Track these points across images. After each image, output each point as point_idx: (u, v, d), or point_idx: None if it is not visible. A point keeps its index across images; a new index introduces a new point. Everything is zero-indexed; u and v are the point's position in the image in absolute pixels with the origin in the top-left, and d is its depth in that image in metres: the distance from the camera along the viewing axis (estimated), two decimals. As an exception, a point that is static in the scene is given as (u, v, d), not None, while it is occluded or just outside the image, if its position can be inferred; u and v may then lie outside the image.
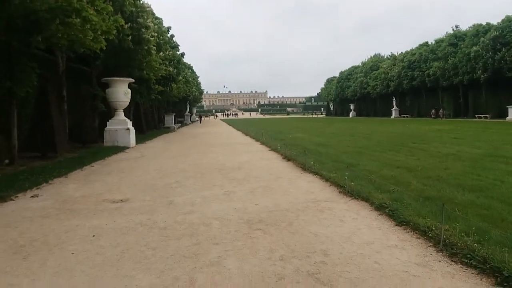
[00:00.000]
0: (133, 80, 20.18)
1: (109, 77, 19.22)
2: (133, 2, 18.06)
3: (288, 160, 12.12)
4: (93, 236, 5.08)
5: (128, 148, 18.20)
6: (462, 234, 4.28)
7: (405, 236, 4.71)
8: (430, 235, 4.50)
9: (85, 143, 18.86)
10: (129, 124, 19.55)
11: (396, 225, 5.11)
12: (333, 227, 5.15)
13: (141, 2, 20.99)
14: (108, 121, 19.37)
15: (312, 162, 10.10)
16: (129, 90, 19.77)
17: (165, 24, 33.51)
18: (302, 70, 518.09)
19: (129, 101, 20.01)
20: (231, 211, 6.10)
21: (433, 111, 51.10)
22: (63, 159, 13.56)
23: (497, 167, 9.12)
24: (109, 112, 20.40)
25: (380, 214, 5.64)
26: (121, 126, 19.00)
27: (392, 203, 5.79)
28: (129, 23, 18.62)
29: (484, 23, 49.35)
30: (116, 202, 7.27)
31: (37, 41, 11.19)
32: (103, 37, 12.98)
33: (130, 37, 18.63)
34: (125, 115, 22.10)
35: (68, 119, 17.73)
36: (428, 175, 8.12)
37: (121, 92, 19.13)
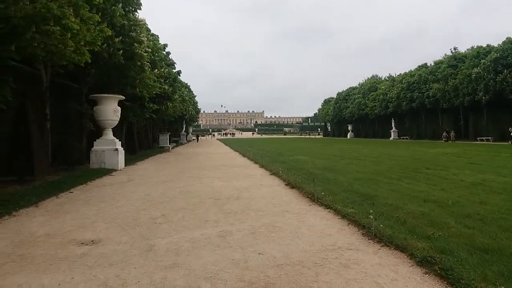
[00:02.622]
0: (123, 97, 18.84)
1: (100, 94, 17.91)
2: (124, 13, 16.81)
3: (293, 187, 10.70)
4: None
5: (115, 170, 16.73)
6: None
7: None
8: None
9: (70, 165, 17.42)
10: (118, 144, 18.11)
11: (456, 294, 3.69)
12: (368, 296, 3.72)
13: (134, 15, 19.82)
14: (95, 141, 17.93)
15: (323, 193, 8.68)
16: (119, 108, 18.42)
17: (165, 42, 32.59)
18: (301, 91, 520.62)
19: (118, 119, 18.61)
20: (227, 264, 4.65)
21: (444, 133, 49.54)
22: (41, 183, 12.08)
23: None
24: (98, 131, 19.01)
25: (426, 274, 4.21)
26: (109, 147, 17.56)
27: (440, 256, 4.38)
28: (120, 37, 17.42)
29: (484, 45, 48.81)
30: (85, 244, 5.82)
31: (10, 50, 9.87)
32: (87, 48, 11.68)
33: (122, 51, 17.39)
34: (116, 135, 20.74)
35: (52, 139, 16.29)
36: (465, 213, 6.71)
37: (110, 110, 17.77)
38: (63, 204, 9.17)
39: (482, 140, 45.75)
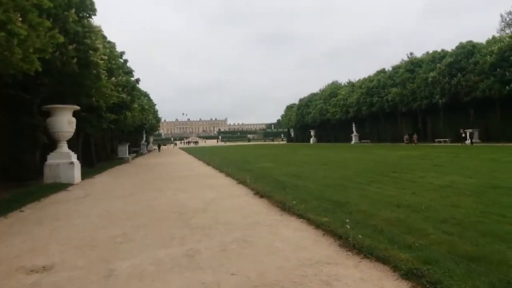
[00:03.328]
0: (78, 108, 17.87)
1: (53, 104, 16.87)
2: (77, 19, 15.94)
3: (262, 196, 10.30)
4: None
5: (71, 185, 15.75)
6: None
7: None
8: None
9: (23, 180, 16.23)
10: (73, 157, 17.10)
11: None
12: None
13: (89, 22, 18.89)
14: (48, 154, 16.84)
15: (294, 201, 8.34)
16: (74, 119, 17.43)
17: (123, 50, 31.55)
18: (265, 98, 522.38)
19: (73, 131, 17.61)
20: (197, 289, 4.18)
21: (406, 136, 50.33)
22: (-13, 202, 11.06)
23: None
24: (53, 144, 17.86)
25: (414, 287, 3.91)
26: (64, 160, 16.53)
27: (425, 268, 4.11)
28: (75, 44, 16.49)
29: (439, 50, 50.68)
30: (35, 271, 5.17)
31: None
32: (37, 56, 10.84)
33: (76, 59, 16.45)
34: (72, 147, 19.62)
35: (2, 153, 15.14)
36: (441, 218, 6.54)
37: (65, 121, 16.77)
38: (12, 225, 8.33)
39: (439, 141, 47.32)
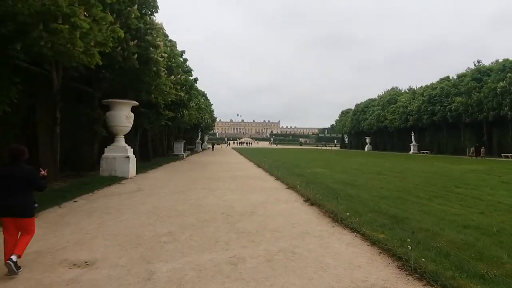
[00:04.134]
0: (137, 103, 18.28)
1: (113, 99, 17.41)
2: (139, 15, 16.28)
3: (312, 204, 9.82)
4: None
5: (126, 178, 16.10)
6: None
7: None
8: None
9: (80, 171, 16.88)
10: (130, 151, 17.50)
11: None
12: None
13: (151, 19, 19.33)
14: (106, 147, 17.37)
15: (348, 213, 7.80)
16: (132, 114, 17.86)
17: (183, 49, 32.22)
18: (319, 101, 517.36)
19: (131, 126, 18.04)
20: (239, 304, 3.84)
21: (472, 149, 47.04)
22: (45, 191, 11.46)
23: None
24: (111, 138, 18.43)
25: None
26: (120, 154, 16.96)
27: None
28: (136, 40, 16.92)
29: (511, 58, 47.15)
30: (77, 266, 5.11)
31: (15, 49, 9.33)
32: (97, 49, 11.08)
33: (136, 55, 16.86)
34: (130, 141, 20.21)
35: (62, 144, 15.77)
36: (517, 244, 5.76)
37: (123, 116, 17.21)
38: (64, 216, 8.50)
39: (507, 156, 43.95)
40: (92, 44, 10.57)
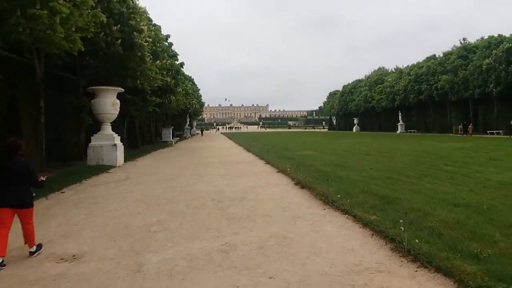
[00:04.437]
0: (122, 90, 17.92)
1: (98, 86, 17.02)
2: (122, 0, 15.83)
3: (303, 187, 9.78)
4: None
5: (114, 167, 15.87)
6: None
7: None
8: None
9: (67, 161, 16.58)
10: (117, 139, 17.22)
11: None
12: None
13: (134, 2, 18.82)
14: (92, 136, 17.05)
15: (338, 195, 7.76)
16: (118, 101, 17.51)
17: (166, 33, 31.57)
18: (307, 84, 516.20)
19: (117, 113, 17.70)
20: (231, 294, 3.76)
21: (460, 126, 47.37)
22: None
23: None
24: (98, 126, 18.09)
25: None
26: (107, 142, 16.68)
27: (500, 287, 3.46)
28: (119, 25, 16.48)
29: (496, 35, 47.31)
30: (64, 260, 4.98)
31: (-8, 37, 9.00)
32: (79, 35, 10.74)
33: (120, 40, 16.44)
34: (117, 129, 19.88)
35: (48, 133, 15.41)
36: (508, 222, 5.75)
37: (109, 103, 16.87)
38: (50, 207, 8.32)
39: (492, 133, 44.52)
40: (73, 29, 10.24)
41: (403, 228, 4.88)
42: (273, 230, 5.99)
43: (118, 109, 17.79)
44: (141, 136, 31.02)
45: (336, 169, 12.82)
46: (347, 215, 6.61)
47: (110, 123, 17.64)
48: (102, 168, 14.96)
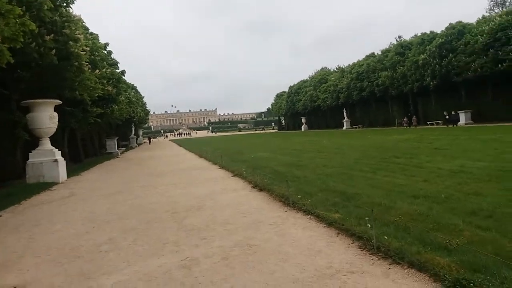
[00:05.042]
0: (60, 102, 16.80)
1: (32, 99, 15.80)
2: (53, 7, 14.81)
3: (261, 190, 9.54)
4: None
5: (56, 183, 14.80)
6: None
7: None
8: None
9: (3, 181, 15.24)
10: (57, 154, 16.08)
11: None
12: None
13: (67, 10, 17.73)
14: (30, 152, 15.82)
15: (299, 196, 7.57)
16: (56, 114, 16.37)
17: (105, 41, 30.31)
18: (255, 87, 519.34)
19: (55, 127, 16.54)
20: (198, 315, 3.39)
21: (405, 119, 49.11)
22: (-39, 208, 10.12)
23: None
24: (35, 141, 16.80)
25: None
26: (47, 158, 15.53)
27: (476, 278, 3.36)
28: (52, 34, 15.42)
29: (428, 32, 50.00)
30: (2, 294, 4.35)
31: None
32: (6, 46, 9.81)
33: (54, 50, 15.39)
34: (57, 143, 18.66)
35: (-23, 153, 14.09)
36: (468, 209, 5.81)
37: (46, 117, 15.71)
38: (-16, 234, 7.45)
39: (432, 124, 46.90)
40: (0, 40, 9.31)
41: (369, 225, 4.73)
42: (236, 238, 5.67)
43: (57, 123, 16.64)
44: (84, 148, 29.49)
45: (292, 169, 12.72)
46: (309, 216, 6.42)
47: (49, 137, 16.46)
48: (43, 186, 13.88)
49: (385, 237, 4.58)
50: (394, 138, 25.29)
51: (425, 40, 48.18)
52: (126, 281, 4.36)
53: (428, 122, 48.05)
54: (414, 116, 48.50)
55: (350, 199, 7.07)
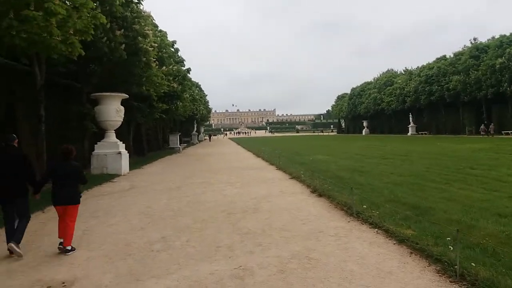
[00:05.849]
0: (127, 96, 17.28)
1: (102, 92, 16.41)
2: (124, 2, 15.20)
3: (320, 195, 8.99)
4: None
5: (118, 175, 15.20)
6: None
7: None
8: None
9: (70, 170, 15.91)
10: (121, 147, 16.55)
11: None
12: None
13: (138, 7, 18.22)
14: (96, 144, 16.42)
15: (364, 206, 6.95)
16: (122, 108, 16.87)
17: (173, 39, 31.07)
18: (314, 89, 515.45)
19: (121, 120, 17.05)
20: None
21: (482, 127, 45.81)
22: (30, 195, 10.54)
23: None
24: (102, 134, 17.45)
25: None
26: (111, 150, 16.03)
27: None
28: (122, 30, 15.86)
29: (508, 34, 46.16)
30: (51, 288, 4.23)
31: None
32: (78, 38, 10.08)
33: (124, 45, 15.81)
34: (123, 136, 19.30)
35: (49, 143, 14.77)
36: None
37: (112, 110, 16.23)
38: (47, 222, 7.62)
39: (507, 134, 43.23)
40: (71, 32, 9.56)
41: (451, 247, 4.06)
42: (294, 248, 5.21)
43: (123, 116, 17.15)
44: (148, 143, 30.44)
45: (354, 175, 11.99)
46: (376, 229, 5.80)
47: (115, 130, 17.02)
48: (106, 177, 14.30)
49: (472, 263, 3.88)
50: (467, 147, 23.43)
51: (504, 42, 44.49)
52: (175, 287, 4.07)
53: (503, 132, 44.33)
54: (492, 124, 44.83)
55: (423, 213, 6.34)
